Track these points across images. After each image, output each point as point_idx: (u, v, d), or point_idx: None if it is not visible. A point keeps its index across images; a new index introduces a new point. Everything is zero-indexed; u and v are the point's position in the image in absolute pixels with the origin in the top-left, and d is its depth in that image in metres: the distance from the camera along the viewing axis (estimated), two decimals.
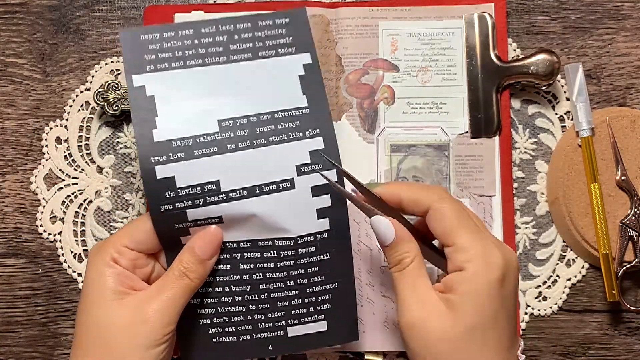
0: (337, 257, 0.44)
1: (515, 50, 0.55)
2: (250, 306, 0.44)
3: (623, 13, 0.56)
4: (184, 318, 0.43)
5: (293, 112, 0.43)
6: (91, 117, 0.55)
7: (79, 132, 0.55)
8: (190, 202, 0.41)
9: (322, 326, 0.45)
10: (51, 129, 0.55)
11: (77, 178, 0.55)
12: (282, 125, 0.43)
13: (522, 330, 0.54)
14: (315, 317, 0.45)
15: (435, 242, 0.43)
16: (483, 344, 0.36)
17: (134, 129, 0.42)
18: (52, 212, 0.54)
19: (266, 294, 0.44)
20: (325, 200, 0.43)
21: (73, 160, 0.55)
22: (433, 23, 0.54)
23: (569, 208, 0.52)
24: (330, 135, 0.43)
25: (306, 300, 0.44)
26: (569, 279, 0.54)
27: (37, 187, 0.54)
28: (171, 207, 0.42)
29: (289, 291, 0.44)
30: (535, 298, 0.54)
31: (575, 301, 0.54)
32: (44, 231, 0.54)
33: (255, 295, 0.44)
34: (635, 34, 0.55)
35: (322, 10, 0.54)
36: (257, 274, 0.44)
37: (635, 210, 0.52)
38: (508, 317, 0.38)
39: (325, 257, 0.44)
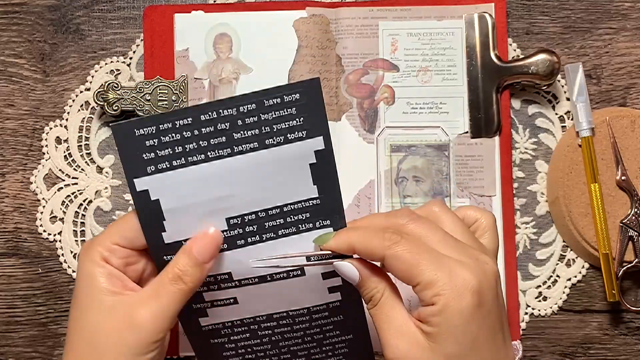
0: (350, 317, 0.45)
1: (515, 50, 0.55)
2: (273, 358, 0.46)
3: (623, 13, 0.56)
4: None
5: (303, 204, 0.41)
6: (91, 117, 0.55)
7: (79, 132, 0.55)
8: (205, 288, 0.42)
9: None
10: (51, 129, 0.55)
11: (77, 178, 0.55)
12: (291, 218, 0.41)
13: (522, 330, 0.54)
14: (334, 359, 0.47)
15: None
16: None
17: (143, 231, 0.40)
18: (52, 212, 0.54)
19: (286, 349, 0.46)
20: (336, 280, 0.43)
21: (73, 160, 0.55)
22: (433, 23, 0.54)
23: (569, 208, 0.52)
24: (340, 219, 0.41)
25: (324, 349, 0.46)
26: (569, 279, 0.54)
27: (37, 187, 0.54)
28: None
29: (307, 344, 0.46)
30: (535, 298, 0.54)
31: (575, 301, 0.54)
32: (44, 231, 0.54)
33: (276, 350, 0.46)
34: (635, 34, 0.55)
35: (322, 10, 0.54)
36: (276, 337, 0.45)
37: (636, 210, 0.52)
38: (492, 334, 0.37)
39: (339, 319, 0.45)
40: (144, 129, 0.39)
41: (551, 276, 0.54)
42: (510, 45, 0.55)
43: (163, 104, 0.53)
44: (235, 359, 0.46)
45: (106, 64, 0.55)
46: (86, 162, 0.55)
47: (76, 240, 0.54)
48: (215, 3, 0.55)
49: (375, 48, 0.54)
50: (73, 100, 0.55)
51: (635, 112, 0.53)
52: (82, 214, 0.54)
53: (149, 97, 0.53)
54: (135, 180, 0.39)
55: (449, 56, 0.54)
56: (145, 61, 0.54)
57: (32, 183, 0.55)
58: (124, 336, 0.38)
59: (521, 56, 0.54)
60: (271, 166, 0.40)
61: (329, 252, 0.40)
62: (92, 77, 0.55)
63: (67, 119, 0.55)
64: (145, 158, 0.39)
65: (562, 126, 0.55)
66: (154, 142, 0.39)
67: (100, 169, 0.55)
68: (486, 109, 0.53)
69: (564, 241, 0.54)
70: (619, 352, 0.54)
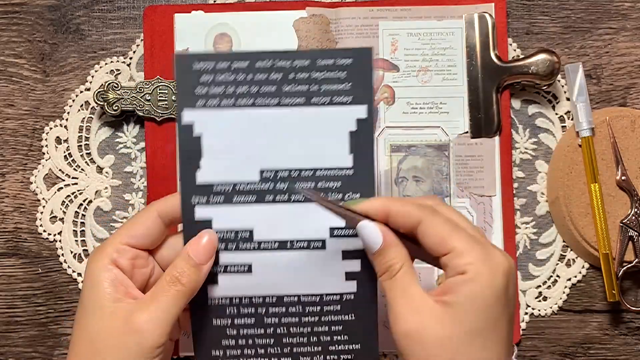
0: (361, 319, 0.43)
1: (515, 50, 0.55)
2: (272, 359, 0.44)
3: (623, 13, 0.56)
4: None
5: (336, 171, 0.42)
6: (91, 117, 0.55)
7: (79, 132, 0.55)
8: (223, 245, 0.42)
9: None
10: (51, 129, 0.55)
11: (77, 178, 0.55)
12: (322, 184, 0.42)
13: (522, 330, 0.54)
14: None
15: None
16: (483, 349, 0.35)
17: (179, 167, 0.42)
18: (52, 212, 0.54)
19: (289, 348, 0.44)
20: (355, 265, 0.42)
21: (73, 160, 0.55)
22: (433, 23, 0.54)
23: (569, 208, 0.52)
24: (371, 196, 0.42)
25: (328, 357, 0.44)
26: (569, 279, 0.54)
27: (37, 187, 0.54)
28: None
29: (312, 347, 0.44)
30: (535, 298, 0.54)
31: (575, 301, 0.54)
32: (44, 231, 0.54)
33: (278, 349, 0.44)
34: (635, 34, 0.55)
35: (322, 10, 0.54)
36: (281, 328, 0.44)
37: (636, 210, 0.52)
38: (508, 322, 0.37)
39: (349, 318, 0.44)
40: (203, 63, 0.42)
41: (551, 276, 0.54)
42: (510, 45, 0.55)
43: (163, 104, 0.53)
44: (233, 351, 0.44)
45: (106, 64, 0.55)
46: (86, 162, 0.55)
47: (76, 240, 0.54)
48: (215, 3, 0.55)
49: (375, 48, 0.54)
50: (73, 100, 0.55)
51: (635, 112, 0.53)
52: (82, 214, 0.54)
53: (149, 97, 0.53)
54: (184, 111, 0.42)
55: (449, 56, 0.54)
56: (145, 61, 0.54)
57: (32, 183, 0.55)
58: (124, 341, 0.38)
59: (521, 56, 0.54)
60: (312, 125, 0.42)
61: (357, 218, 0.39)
62: (92, 77, 0.55)
63: (67, 119, 0.55)
64: (198, 93, 0.42)
65: (562, 126, 0.55)
66: (208, 78, 0.42)
67: (100, 169, 0.55)
68: (486, 109, 0.53)
69: (564, 241, 0.54)
70: (619, 352, 0.54)
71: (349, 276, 0.43)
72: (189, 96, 0.42)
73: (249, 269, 0.43)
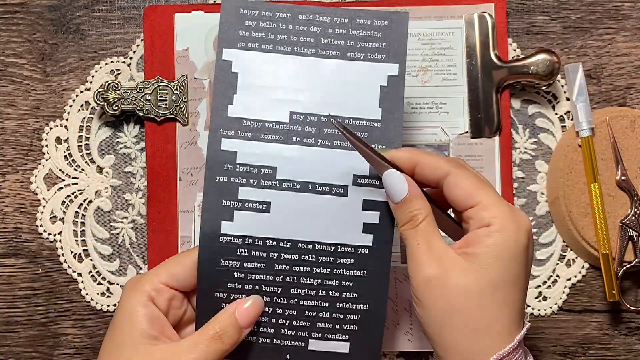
0: (373, 277, 0.43)
1: (515, 50, 0.55)
2: (277, 309, 0.43)
3: (623, 13, 0.56)
4: (206, 309, 0.42)
5: (365, 122, 0.44)
6: (91, 117, 0.55)
7: (79, 132, 0.55)
8: (244, 180, 0.43)
9: (344, 347, 0.44)
10: (51, 129, 0.55)
11: (77, 178, 0.55)
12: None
13: None
14: (339, 336, 0.44)
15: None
16: (504, 302, 0.35)
17: (213, 99, 0.44)
18: (52, 212, 0.54)
19: (295, 300, 0.43)
20: (374, 217, 0.42)
21: (73, 160, 0.55)
22: (433, 23, 0.54)
23: (569, 208, 0.52)
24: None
25: (334, 315, 0.43)
26: (569, 279, 0.54)
27: (37, 187, 0.54)
28: (226, 180, 0.43)
29: (319, 301, 0.43)
30: (535, 298, 0.54)
31: (575, 301, 0.54)
32: (44, 231, 0.54)
33: (285, 299, 0.43)
34: (635, 34, 0.55)
35: None
36: (291, 277, 0.43)
37: (635, 210, 0.52)
38: (526, 280, 0.37)
39: (361, 274, 0.43)
40: (248, 11, 0.45)
41: (551, 276, 0.54)
42: (510, 45, 0.55)
43: (163, 104, 0.53)
44: (237, 296, 0.43)
45: (106, 64, 0.55)
46: (86, 162, 0.55)
47: (76, 240, 0.54)
48: (215, 3, 0.55)
49: None
50: (73, 100, 0.55)
51: (635, 112, 0.53)
52: (82, 214, 0.54)
53: (149, 97, 0.53)
54: (224, 49, 0.44)
55: (449, 56, 0.54)
56: (145, 61, 0.54)
57: (32, 183, 0.55)
58: None
59: (521, 56, 0.54)
60: (345, 77, 0.44)
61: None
62: (92, 77, 0.55)
63: (67, 119, 0.55)
64: (240, 35, 0.44)
65: (562, 126, 0.55)
66: (252, 23, 0.45)
67: (100, 169, 0.55)
68: (486, 109, 0.53)
69: (564, 241, 0.54)
70: (619, 352, 0.54)
71: (367, 228, 0.42)
72: (230, 37, 0.44)
73: (267, 208, 0.43)
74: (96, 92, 0.53)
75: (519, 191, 0.55)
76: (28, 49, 0.55)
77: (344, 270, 0.43)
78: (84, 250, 0.54)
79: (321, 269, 0.43)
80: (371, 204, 0.43)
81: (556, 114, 0.55)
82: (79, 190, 0.55)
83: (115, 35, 0.55)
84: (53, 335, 0.54)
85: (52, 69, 0.55)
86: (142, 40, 0.55)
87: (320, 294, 0.43)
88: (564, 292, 0.54)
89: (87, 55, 0.55)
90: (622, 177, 0.52)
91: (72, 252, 0.54)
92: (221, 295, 0.43)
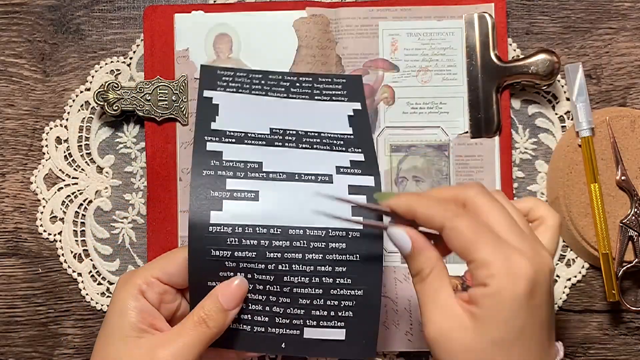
0: (366, 262, 0.43)
1: (515, 50, 0.55)
2: (270, 297, 0.43)
3: (623, 13, 0.56)
4: (200, 299, 0.42)
5: (339, 135, 0.47)
6: (91, 117, 0.55)
7: (79, 132, 0.55)
8: (231, 173, 0.43)
9: (340, 334, 0.44)
10: (51, 129, 0.55)
11: (77, 178, 0.55)
12: (327, 141, 0.46)
13: None
14: (334, 323, 0.43)
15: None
16: (508, 358, 0.35)
17: (195, 123, 0.46)
18: (52, 212, 0.54)
19: (289, 288, 0.43)
20: (361, 199, 0.43)
21: (73, 160, 0.55)
22: (433, 23, 0.54)
23: (569, 208, 0.52)
24: (371, 155, 0.45)
25: (328, 302, 0.43)
26: (569, 279, 0.54)
27: (37, 187, 0.54)
28: (212, 173, 0.43)
29: (313, 289, 0.43)
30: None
31: (575, 301, 0.54)
32: (44, 231, 0.54)
33: (278, 287, 0.43)
34: (635, 34, 0.55)
35: (322, 10, 0.54)
36: (284, 265, 0.42)
37: (635, 210, 0.52)
38: (540, 328, 0.36)
39: (354, 259, 0.43)
40: (225, 72, 0.52)
41: None
42: (510, 45, 0.55)
43: (163, 104, 0.53)
44: None
45: (106, 64, 0.55)
46: (86, 162, 0.55)
47: (76, 240, 0.54)
48: (215, 3, 0.55)
49: (375, 48, 0.54)
50: (73, 100, 0.55)
51: (635, 112, 0.53)
52: (82, 214, 0.54)
53: (149, 97, 0.53)
54: (205, 91, 0.49)
55: (449, 56, 0.54)
56: (145, 61, 0.54)
57: (32, 183, 0.55)
58: None
59: (521, 56, 0.54)
60: (316, 110, 0.49)
61: (378, 210, 0.40)
62: (92, 77, 0.55)
63: (67, 119, 0.55)
64: (218, 84, 0.50)
65: (562, 126, 0.55)
66: (229, 78, 0.51)
67: (100, 169, 0.55)
68: (486, 109, 0.53)
69: (564, 241, 0.54)
70: (619, 352, 0.54)
71: (355, 212, 0.42)
72: (210, 84, 0.50)
73: (256, 197, 0.42)
74: (96, 92, 0.53)
75: (519, 191, 0.55)
76: (28, 49, 0.55)
77: (336, 255, 0.42)
78: (84, 250, 0.54)
79: (313, 254, 0.42)
80: (356, 188, 0.43)
81: (556, 114, 0.55)
82: (79, 190, 0.55)
83: (115, 35, 0.55)
84: (53, 335, 0.54)
85: (52, 69, 0.55)
86: (142, 40, 0.55)
87: (313, 280, 0.43)
88: (564, 292, 0.54)
89: (87, 55, 0.55)
90: (622, 177, 0.52)
91: (72, 252, 0.54)
92: (213, 284, 0.42)
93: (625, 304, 0.52)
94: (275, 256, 0.42)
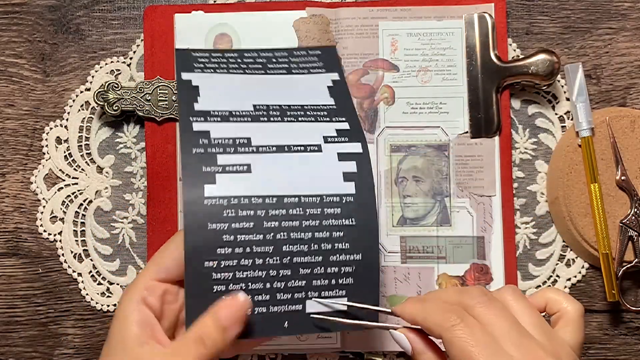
0: (362, 225, 0.43)
1: (515, 50, 0.55)
2: (270, 271, 0.42)
3: (623, 13, 0.56)
4: (196, 285, 0.41)
5: (321, 106, 0.48)
6: (91, 117, 0.55)
7: (79, 132, 0.55)
8: (221, 149, 0.43)
9: (342, 306, 0.43)
10: (51, 129, 0.55)
11: (77, 178, 0.55)
12: (311, 113, 0.47)
13: None
14: (336, 292, 0.43)
15: None
16: None
17: (179, 106, 0.46)
18: (52, 212, 0.54)
19: (288, 258, 0.42)
20: (351, 166, 0.44)
21: (73, 160, 0.55)
22: (433, 23, 0.54)
23: (569, 208, 0.52)
24: (355, 122, 0.46)
25: (329, 269, 0.42)
26: (569, 279, 0.54)
27: (37, 187, 0.54)
28: (202, 151, 0.43)
29: (312, 256, 0.42)
30: (536, 290, 0.54)
31: None
32: (44, 231, 0.54)
33: (277, 259, 0.42)
34: (635, 34, 0.55)
35: (322, 10, 0.54)
36: (282, 234, 0.42)
37: (635, 210, 0.52)
38: None
39: (350, 223, 0.43)
40: (200, 53, 0.51)
41: (551, 276, 0.54)
42: (510, 45, 0.55)
43: (163, 104, 0.53)
44: (228, 262, 0.41)
45: (106, 64, 0.55)
46: (86, 162, 0.55)
47: (76, 240, 0.54)
48: (215, 3, 0.55)
49: (375, 48, 0.54)
50: (73, 101, 0.55)
51: (635, 112, 0.53)
52: (82, 214, 0.54)
53: (149, 97, 0.53)
54: (182, 73, 0.48)
55: (449, 56, 0.54)
56: (145, 61, 0.54)
57: (32, 183, 0.55)
58: None
59: (521, 56, 0.54)
60: (296, 82, 0.49)
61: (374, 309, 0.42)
62: (92, 77, 0.55)
63: (67, 119, 0.55)
64: (196, 65, 0.49)
65: (562, 126, 0.55)
66: (205, 60, 0.50)
67: (100, 169, 0.55)
68: (486, 109, 0.53)
69: (563, 241, 0.54)
70: (619, 352, 0.54)
71: (347, 177, 0.43)
72: (187, 66, 0.49)
73: (249, 169, 0.42)
74: (96, 92, 0.53)
75: (519, 191, 0.55)
76: (28, 49, 0.55)
77: (333, 220, 0.42)
78: (84, 250, 0.54)
79: (310, 221, 0.42)
80: (345, 155, 0.44)
81: (556, 114, 0.55)
82: (79, 190, 0.55)
83: (115, 35, 0.55)
84: (53, 335, 0.54)
85: (52, 69, 0.55)
86: (142, 40, 0.55)
87: (312, 248, 0.42)
88: None
89: (87, 55, 0.55)
90: (622, 177, 0.52)
91: (72, 252, 0.54)
92: (211, 264, 0.41)
93: (625, 304, 0.52)
94: (272, 225, 0.42)
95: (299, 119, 0.46)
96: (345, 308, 0.43)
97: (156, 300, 0.41)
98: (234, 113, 0.46)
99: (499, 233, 0.53)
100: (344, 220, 0.43)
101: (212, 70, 0.49)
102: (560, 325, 0.38)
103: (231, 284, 0.41)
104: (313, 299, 0.43)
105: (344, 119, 0.46)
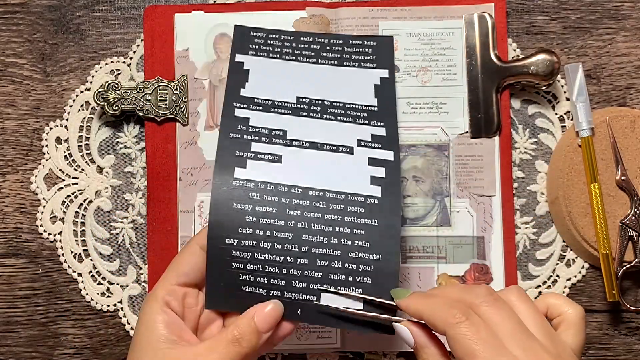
0: (384, 228, 0.43)
1: (515, 50, 0.55)
2: (288, 258, 0.42)
3: (623, 13, 0.56)
4: (216, 259, 0.42)
5: (363, 107, 0.48)
6: (91, 117, 0.55)
7: (79, 132, 0.55)
8: (257, 138, 0.45)
9: (357, 304, 0.42)
10: (51, 129, 0.55)
11: (77, 178, 0.55)
12: (351, 112, 0.48)
13: None
14: (352, 290, 0.42)
15: None
16: None
17: (226, 87, 0.48)
18: (52, 212, 0.54)
19: (307, 247, 0.42)
20: (380, 172, 0.45)
21: (73, 160, 0.55)
22: (433, 23, 0.54)
23: (569, 208, 0.52)
24: (393, 129, 0.47)
25: (346, 265, 0.42)
26: (569, 279, 0.54)
27: (37, 187, 0.54)
28: (239, 137, 0.45)
29: (331, 250, 0.43)
30: (535, 298, 0.54)
31: (575, 301, 0.54)
32: (44, 231, 0.54)
33: (296, 246, 0.42)
34: (635, 34, 0.55)
35: (322, 10, 0.54)
36: (303, 223, 0.43)
37: (635, 210, 0.52)
38: None
39: (373, 223, 0.43)
40: (258, 32, 0.53)
41: (551, 276, 0.54)
42: (510, 45, 0.55)
43: (163, 104, 0.53)
44: (248, 242, 0.42)
45: (106, 64, 0.55)
46: (86, 162, 0.55)
47: (76, 240, 0.54)
48: (215, 3, 0.55)
49: None
50: (73, 101, 0.55)
51: (635, 112, 0.53)
52: (83, 214, 0.54)
53: (149, 97, 0.53)
54: (237, 55, 0.51)
55: (449, 56, 0.54)
56: (145, 61, 0.54)
57: (32, 183, 0.55)
58: None
59: (521, 56, 0.54)
60: (343, 77, 0.50)
61: (389, 303, 0.41)
62: (92, 77, 0.55)
63: (67, 119, 0.55)
64: (251, 47, 0.52)
65: (562, 126, 0.55)
66: (261, 41, 0.52)
67: (100, 169, 0.55)
68: (486, 109, 0.53)
69: (563, 241, 0.54)
70: (619, 352, 0.54)
71: (374, 181, 0.44)
72: (242, 47, 0.51)
73: (279, 159, 0.44)
74: (96, 92, 0.53)
75: (519, 191, 0.55)
76: (28, 49, 0.55)
77: (355, 218, 0.43)
78: (84, 250, 0.54)
79: (332, 215, 0.43)
80: (376, 161, 0.45)
81: (556, 114, 0.55)
82: (79, 190, 0.55)
83: (115, 35, 0.55)
84: (53, 335, 0.54)
85: (52, 69, 0.55)
86: (142, 40, 0.55)
87: (332, 241, 0.43)
88: (564, 292, 0.54)
89: (87, 55, 0.55)
90: (622, 177, 0.52)
91: (72, 252, 0.54)
92: (232, 241, 0.42)
93: (625, 304, 0.52)
94: (295, 214, 0.43)
95: (338, 118, 0.47)
96: (360, 307, 0.42)
97: (178, 303, 0.42)
98: (276, 103, 0.48)
99: (499, 233, 0.53)
100: (366, 220, 0.43)
101: (265, 54, 0.51)
102: (562, 329, 0.38)
103: (249, 264, 0.42)
104: (328, 293, 0.42)
105: (382, 123, 0.47)
